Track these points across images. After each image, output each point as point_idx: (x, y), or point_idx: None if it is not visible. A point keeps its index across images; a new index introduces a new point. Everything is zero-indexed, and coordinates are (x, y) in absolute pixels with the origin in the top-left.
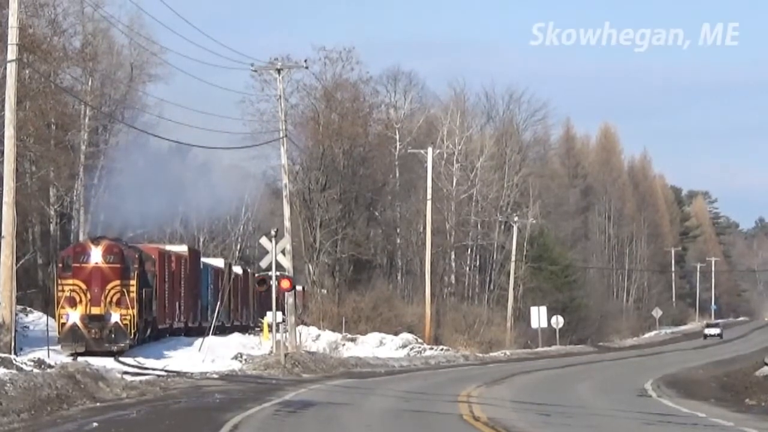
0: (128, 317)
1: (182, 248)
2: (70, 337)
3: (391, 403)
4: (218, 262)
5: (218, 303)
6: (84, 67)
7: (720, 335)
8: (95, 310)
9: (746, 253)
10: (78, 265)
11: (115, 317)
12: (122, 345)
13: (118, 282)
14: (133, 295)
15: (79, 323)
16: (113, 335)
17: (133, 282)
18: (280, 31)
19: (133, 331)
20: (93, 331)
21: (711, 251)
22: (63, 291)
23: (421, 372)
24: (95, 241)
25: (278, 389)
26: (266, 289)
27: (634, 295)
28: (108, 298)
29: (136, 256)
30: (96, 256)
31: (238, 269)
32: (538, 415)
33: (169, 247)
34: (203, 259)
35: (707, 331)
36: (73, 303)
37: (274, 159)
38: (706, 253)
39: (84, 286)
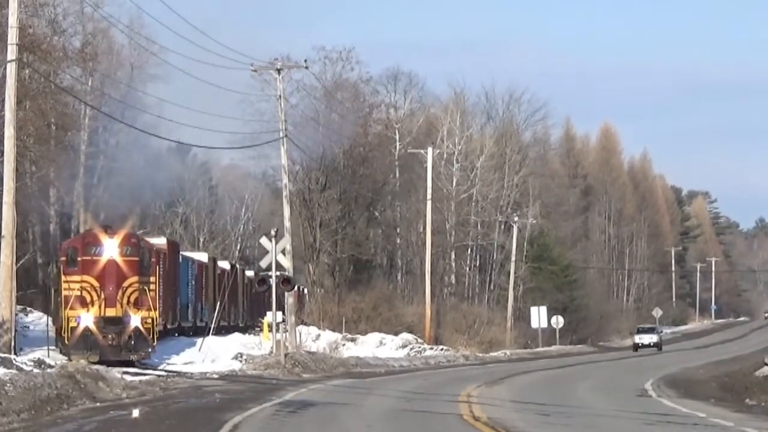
0: (150, 320)
1: (161, 240)
2: (81, 343)
3: (391, 403)
4: (201, 256)
5: (217, 303)
6: (84, 67)
7: (657, 345)
8: (110, 312)
9: (746, 253)
10: (89, 258)
11: (135, 321)
12: (143, 353)
13: (136, 279)
14: (154, 294)
15: (92, 327)
16: (133, 341)
17: (153, 279)
18: (280, 31)
19: (155, 336)
20: (110, 336)
21: (711, 251)
22: (70, 289)
23: (421, 372)
24: (109, 230)
25: (278, 389)
26: (266, 288)
27: (634, 295)
28: (126, 298)
29: (153, 248)
30: (111, 248)
31: (224, 264)
32: (538, 415)
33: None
34: (184, 253)
35: (638, 339)
36: (83, 303)
37: (274, 159)
38: (706, 253)
39: (96, 284)
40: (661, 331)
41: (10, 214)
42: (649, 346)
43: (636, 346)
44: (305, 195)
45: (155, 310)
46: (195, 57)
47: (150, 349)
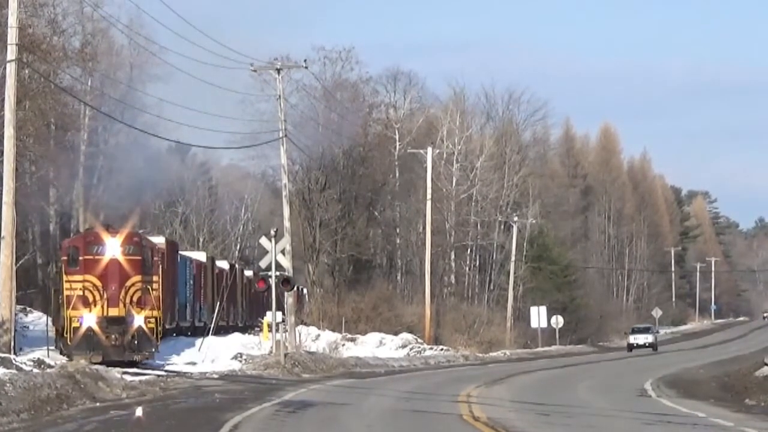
0: (153, 320)
1: (159, 240)
2: (84, 343)
3: (390, 403)
4: (199, 256)
5: (216, 303)
6: (84, 67)
7: (652, 345)
8: (113, 312)
9: (746, 253)
10: (90, 257)
11: (138, 320)
12: (146, 353)
13: (139, 278)
14: (157, 293)
15: (95, 327)
16: (136, 341)
17: (156, 278)
18: (280, 31)
19: (158, 336)
20: (113, 336)
21: (711, 251)
22: (72, 289)
23: (421, 372)
24: (111, 229)
25: (278, 389)
26: (266, 288)
27: (634, 295)
28: (128, 297)
29: (155, 247)
30: (113, 247)
31: (223, 264)
32: (538, 415)
33: None
34: (182, 252)
35: (633, 339)
36: (86, 303)
37: (273, 159)
38: (706, 253)
39: (98, 283)
40: (657, 331)
41: (9, 214)
42: (644, 346)
43: (630, 347)
44: (305, 195)
45: (158, 309)
46: (195, 57)
47: (153, 349)
